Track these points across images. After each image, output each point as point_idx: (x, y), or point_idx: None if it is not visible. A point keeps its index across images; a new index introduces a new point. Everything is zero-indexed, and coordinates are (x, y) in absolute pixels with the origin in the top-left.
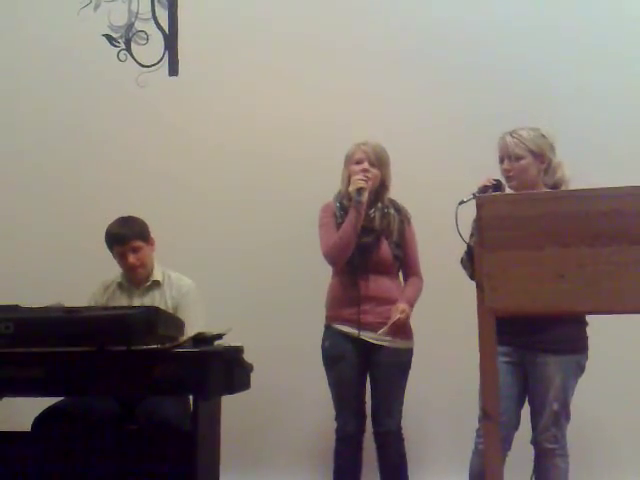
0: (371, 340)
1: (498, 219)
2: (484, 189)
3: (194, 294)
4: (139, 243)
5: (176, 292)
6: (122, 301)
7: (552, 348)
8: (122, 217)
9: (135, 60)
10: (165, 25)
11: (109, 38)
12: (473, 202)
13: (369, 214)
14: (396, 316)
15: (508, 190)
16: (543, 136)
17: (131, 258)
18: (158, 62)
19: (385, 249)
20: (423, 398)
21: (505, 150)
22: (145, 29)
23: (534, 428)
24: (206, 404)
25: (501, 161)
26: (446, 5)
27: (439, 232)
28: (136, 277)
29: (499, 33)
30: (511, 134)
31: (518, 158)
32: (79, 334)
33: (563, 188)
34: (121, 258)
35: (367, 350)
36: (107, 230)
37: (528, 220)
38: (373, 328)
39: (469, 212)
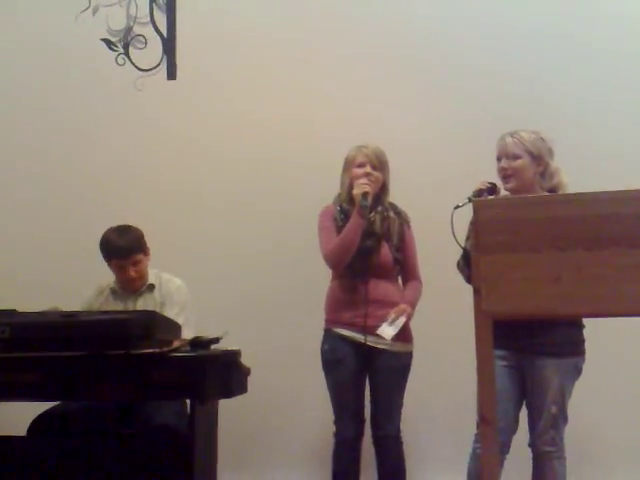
0: (372, 344)
1: (494, 223)
2: (479, 193)
3: (180, 293)
4: (139, 257)
5: (164, 291)
6: (116, 306)
7: (549, 351)
8: (119, 227)
9: (133, 64)
10: (163, 29)
11: (107, 42)
12: (469, 205)
13: (369, 217)
14: (401, 320)
15: (504, 192)
16: (542, 139)
17: (131, 272)
18: (156, 66)
19: (385, 253)
20: (422, 402)
21: (503, 149)
22: (143, 33)
23: (532, 431)
24: (203, 408)
25: (498, 160)
26: (445, 10)
27: (436, 235)
28: (133, 288)
29: (499, 37)
30: (511, 134)
31: (515, 157)
32: (76, 338)
33: (558, 193)
34: (120, 270)
35: (366, 353)
36: (105, 240)
37: (525, 223)
38: (374, 331)
39: (465, 215)
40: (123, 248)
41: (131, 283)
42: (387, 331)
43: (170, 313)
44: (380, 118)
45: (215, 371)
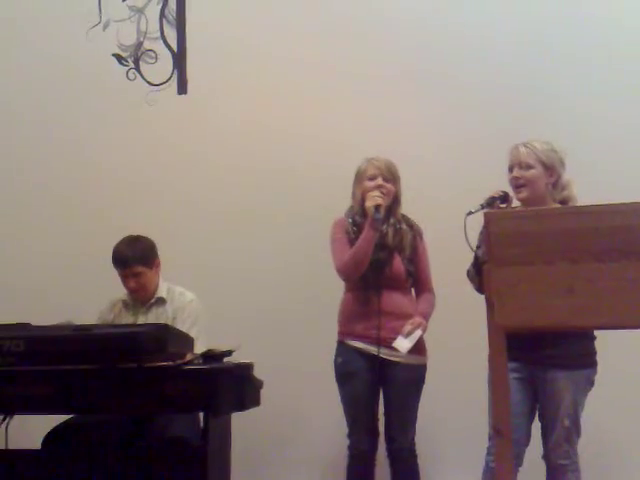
0: (386, 357)
1: (507, 235)
2: (492, 200)
3: (192, 307)
4: (140, 268)
5: (176, 305)
6: (127, 319)
7: (562, 363)
8: (130, 237)
9: (144, 79)
10: (174, 44)
11: (118, 57)
12: (480, 214)
13: (382, 230)
14: (417, 333)
15: (516, 202)
16: (555, 150)
17: (131, 283)
18: (167, 81)
19: (398, 265)
20: (436, 414)
21: (516, 159)
22: (154, 48)
23: (545, 444)
24: (216, 420)
25: (510, 170)
26: (458, 24)
27: (449, 247)
28: (138, 299)
29: (513, 52)
30: (524, 144)
31: (528, 167)
32: (90, 352)
33: (570, 205)
34: (123, 280)
35: (380, 366)
36: (114, 249)
37: (537, 236)
38: (387, 344)
39: (476, 224)
40: (123, 258)
41: (133, 294)
42: (403, 344)
43: (182, 327)
44: (392, 130)
45: (228, 384)
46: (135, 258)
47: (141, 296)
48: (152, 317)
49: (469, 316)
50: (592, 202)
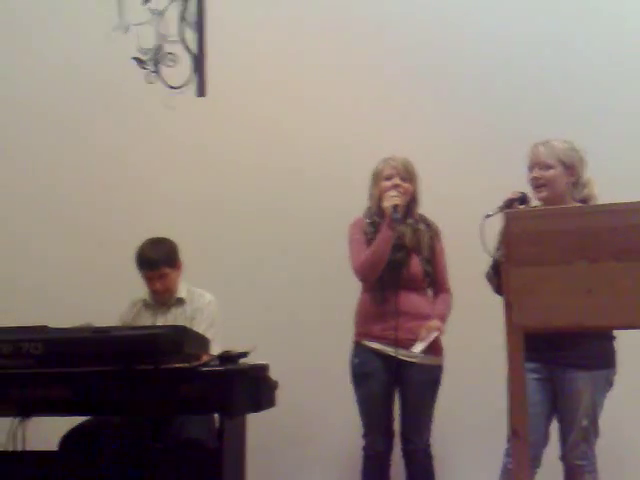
0: (402, 357)
1: (525, 234)
2: (510, 202)
3: (210, 309)
4: (166, 270)
5: (195, 306)
6: (147, 319)
7: (581, 363)
8: (153, 239)
9: (164, 82)
10: (193, 47)
11: (138, 61)
12: (498, 216)
13: (400, 230)
14: (432, 334)
15: (535, 202)
16: (575, 149)
17: (157, 285)
18: (186, 83)
19: (416, 265)
20: (452, 415)
21: (536, 158)
22: (173, 51)
23: (563, 444)
24: (232, 422)
25: (530, 169)
26: (473, 22)
27: (467, 247)
28: (161, 300)
29: (527, 49)
30: (543, 144)
31: (548, 167)
32: (107, 354)
33: (588, 204)
34: (148, 282)
35: (396, 367)
36: (138, 252)
37: (556, 235)
38: (404, 344)
39: (495, 226)
40: (150, 260)
41: (157, 295)
42: (417, 347)
43: (199, 328)
44: (410, 130)
45: (243, 385)
46: (161, 260)
47: (165, 297)
48: (171, 317)
49: (486, 316)
50: (612, 200)
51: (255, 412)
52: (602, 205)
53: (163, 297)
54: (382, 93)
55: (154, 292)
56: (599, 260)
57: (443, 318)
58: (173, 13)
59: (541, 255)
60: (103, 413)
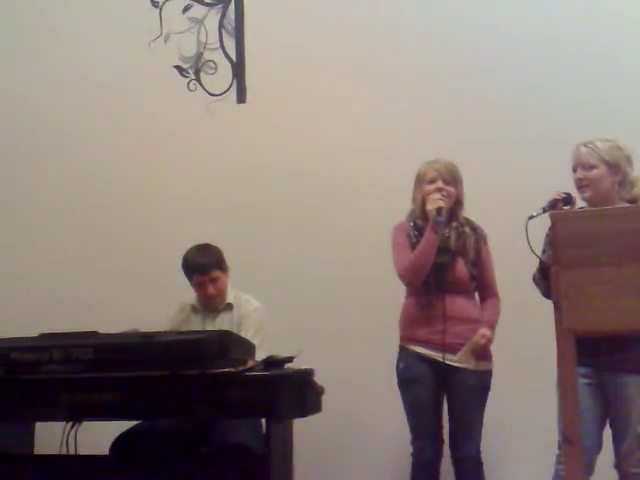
0: (450, 362)
1: (573, 236)
2: (554, 202)
3: (257, 315)
4: (217, 273)
5: (242, 312)
6: (196, 324)
7: (632, 368)
8: (200, 245)
9: (204, 89)
10: (233, 54)
11: (179, 69)
12: (543, 216)
13: (444, 233)
14: (479, 341)
15: (580, 202)
16: (619, 148)
17: (210, 289)
18: (226, 90)
19: (461, 268)
20: (502, 421)
21: (579, 159)
22: (213, 59)
23: (617, 452)
24: (278, 427)
25: (574, 170)
26: (511, 20)
27: (513, 251)
28: (212, 305)
29: (564, 49)
30: (586, 144)
31: (591, 167)
32: (154, 359)
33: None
34: (200, 287)
35: (444, 372)
36: (186, 258)
37: (605, 236)
38: (452, 349)
39: (541, 227)
40: (202, 264)
41: (210, 300)
42: (462, 357)
43: (247, 334)
44: (448, 133)
45: (289, 390)
46: (212, 264)
47: (217, 302)
48: (219, 323)
49: (535, 320)
50: None
51: (301, 417)
52: None
53: (214, 302)
54: (421, 98)
55: (207, 298)
56: None
57: (492, 325)
58: (212, 21)
59: (590, 257)
60: (151, 418)
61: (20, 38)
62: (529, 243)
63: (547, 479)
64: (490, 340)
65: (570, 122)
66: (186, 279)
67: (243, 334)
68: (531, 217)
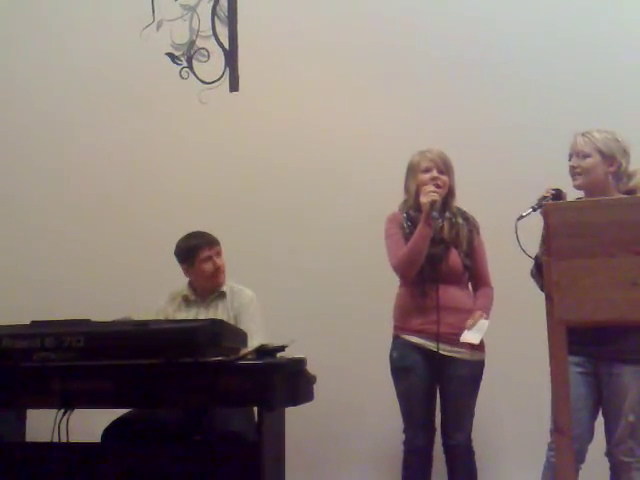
0: (444, 352)
1: (566, 226)
2: (543, 200)
3: (254, 305)
4: (221, 249)
5: (237, 303)
6: (188, 313)
7: (626, 358)
8: (193, 231)
9: (197, 77)
10: (225, 42)
11: (171, 56)
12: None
13: (437, 224)
14: (480, 322)
15: (573, 193)
16: (616, 140)
17: (218, 261)
18: (219, 79)
19: (455, 259)
20: (494, 410)
21: (574, 147)
22: (206, 46)
23: (608, 440)
24: (270, 415)
25: (570, 159)
26: (508, 19)
27: (506, 241)
28: (216, 283)
29: (562, 46)
30: (583, 134)
31: (585, 156)
32: (147, 347)
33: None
34: (206, 263)
35: (437, 361)
36: (186, 239)
37: (597, 227)
38: (446, 339)
39: (537, 221)
40: (208, 239)
41: (217, 275)
42: (470, 337)
43: (249, 325)
44: (443, 125)
45: (282, 379)
46: (215, 239)
47: (221, 279)
48: (212, 312)
49: (528, 310)
50: None
51: (293, 405)
52: None
53: (219, 280)
54: (415, 89)
55: (215, 273)
56: None
57: (485, 311)
58: (205, 8)
59: (583, 248)
60: (143, 406)
61: (10, 26)
62: (519, 242)
63: (538, 466)
64: (486, 318)
65: (564, 112)
66: (179, 269)
67: (245, 325)
68: (520, 217)
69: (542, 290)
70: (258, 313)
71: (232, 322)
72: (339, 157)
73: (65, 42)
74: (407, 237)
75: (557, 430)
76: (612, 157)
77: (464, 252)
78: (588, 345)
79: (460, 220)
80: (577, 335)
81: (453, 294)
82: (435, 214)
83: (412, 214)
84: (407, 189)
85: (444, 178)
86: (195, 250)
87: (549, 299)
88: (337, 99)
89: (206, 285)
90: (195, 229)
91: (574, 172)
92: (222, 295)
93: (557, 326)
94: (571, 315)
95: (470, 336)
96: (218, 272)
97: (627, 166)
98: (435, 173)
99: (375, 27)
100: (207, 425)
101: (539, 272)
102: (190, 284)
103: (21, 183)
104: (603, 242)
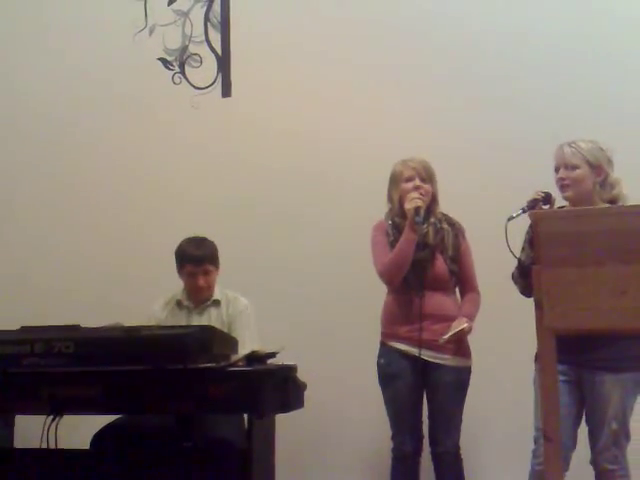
0: (429, 359)
1: (556, 235)
2: (533, 202)
3: (248, 313)
4: (211, 267)
5: (232, 310)
6: (181, 319)
7: (610, 366)
8: (196, 237)
9: (189, 82)
10: (218, 47)
11: (164, 61)
12: (524, 216)
13: (422, 229)
14: (461, 325)
15: (560, 202)
16: (601, 149)
17: (201, 280)
18: (211, 84)
19: (440, 264)
20: (481, 417)
21: (561, 159)
22: (198, 52)
23: (592, 448)
24: (260, 422)
25: (556, 170)
26: (495, 22)
27: (492, 247)
28: (200, 298)
29: (554, 51)
30: (569, 144)
31: (574, 167)
32: (137, 353)
33: (620, 204)
34: (190, 278)
35: (424, 368)
36: (182, 246)
37: (587, 236)
38: (431, 346)
39: (520, 225)
40: (197, 255)
41: (198, 292)
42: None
43: (242, 333)
44: (432, 132)
45: (272, 386)
46: (207, 257)
47: (204, 296)
48: (205, 319)
49: (515, 317)
50: None
51: (283, 413)
52: (634, 206)
53: (202, 296)
54: (407, 95)
55: (196, 289)
56: (633, 262)
57: (470, 317)
58: (198, 13)
59: (572, 256)
60: (133, 412)
61: (5, 30)
62: (508, 244)
63: (524, 474)
64: (470, 328)
65: (552, 119)
66: (175, 271)
67: (239, 333)
68: (511, 218)
69: (523, 294)
70: (252, 321)
71: (225, 329)
72: (331, 163)
73: (58, 46)
74: (392, 244)
75: (546, 439)
76: (599, 167)
77: (450, 257)
78: (571, 353)
79: (445, 225)
80: (560, 343)
81: (438, 301)
82: (419, 219)
83: (397, 221)
84: (390, 198)
85: (426, 187)
86: (181, 262)
87: (538, 307)
88: (329, 105)
89: (191, 296)
90: (185, 232)
91: (563, 184)
92: (216, 303)
93: (546, 334)
94: (560, 324)
95: (446, 337)
96: (199, 290)
97: (612, 175)
98: (417, 182)
99: (368, 34)
100: (197, 432)
101: (521, 276)
102: (185, 289)
103: (14, 189)
104: (593, 251)
